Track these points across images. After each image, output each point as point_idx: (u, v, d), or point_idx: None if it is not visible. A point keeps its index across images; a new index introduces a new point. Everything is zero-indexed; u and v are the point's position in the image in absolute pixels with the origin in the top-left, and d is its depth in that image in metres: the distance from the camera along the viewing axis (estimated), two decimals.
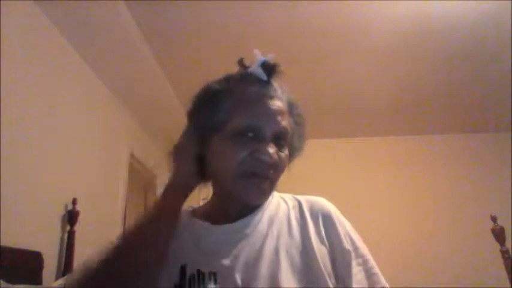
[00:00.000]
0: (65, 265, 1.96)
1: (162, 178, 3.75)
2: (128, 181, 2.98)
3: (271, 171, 0.68)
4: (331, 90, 3.15)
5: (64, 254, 1.99)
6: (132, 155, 3.07)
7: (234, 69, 0.76)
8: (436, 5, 2.23)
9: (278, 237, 0.69)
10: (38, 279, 1.70)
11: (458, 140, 3.86)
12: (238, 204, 0.72)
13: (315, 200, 0.76)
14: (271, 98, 0.70)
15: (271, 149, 0.67)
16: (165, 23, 2.35)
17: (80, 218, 2.07)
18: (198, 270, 0.65)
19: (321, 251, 0.67)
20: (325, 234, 0.69)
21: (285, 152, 0.70)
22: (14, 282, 1.41)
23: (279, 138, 0.69)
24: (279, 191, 0.79)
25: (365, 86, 3.13)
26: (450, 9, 2.27)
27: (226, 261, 0.65)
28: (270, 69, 0.71)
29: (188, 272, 0.65)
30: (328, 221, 0.71)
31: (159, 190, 3.82)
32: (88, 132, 2.42)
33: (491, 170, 3.70)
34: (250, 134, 0.67)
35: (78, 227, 2.04)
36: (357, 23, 2.38)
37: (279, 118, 0.69)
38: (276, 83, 0.73)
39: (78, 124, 2.30)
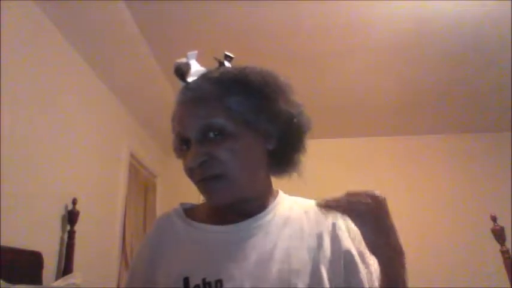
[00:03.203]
0: (65, 265, 1.96)
1: (162, 178, 3.75)
2: (128, 181, 2.98)
3: (206, 171, 0.65)
4: (330, 90, 3.15)
5: (64, 254, 1.99)
6: (132, 155, 3.07)
7: None
8: (436, 5, 2.23)
9: (290, 240, 0.66)
10: (38, 279, 1.70)
11: (458, 140, 3.86)
12: (246, 203, 0.69)
13: None
14: (189, 99, 0.68)
15: (191, 154, 0.65)
16: (165, 23, 2.35)
17: (80, 218, 2.06)
18: (204, 280, 0.61)
19: (326, 261, 0.65)
20: (333, 245, 0.67)
21: (225, 142, 0.65)
22: (14, 282, 1.41)
23: (207, 132, 0.65)
24: (285, 193, 0.78)
25: (365, 86, 3.13)
26: (450, 9, 2.27)
27: (233, 264, 0.63)
28: (180, 72, 0.69)
29: (192, 283, 0.62)
30: (338, 232, 0.68)
31: (159, 190, 3.85)
32: (88, 132, 2.42)
33: (491, 170, 3.70)
34: (184, 147, 0.68)
35: (78, 227, 2.04)
36: (357, 22, 2.38)
37: (199, 113, 0.66)
38: (197, 77, 0.69)
39: (78, 124, 2.30)
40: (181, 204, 0.77)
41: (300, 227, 0.69)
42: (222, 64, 0.72)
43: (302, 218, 0.71)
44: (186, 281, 0.62)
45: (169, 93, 3.05)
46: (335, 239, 0.68)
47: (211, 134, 0.65)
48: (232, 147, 0.65)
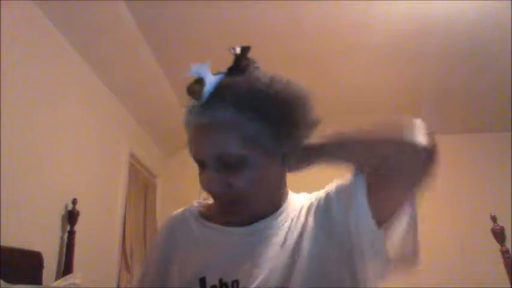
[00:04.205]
0: (65, 265, 1.96)
1: (162, 178, 3.75)
2: (128, 181, 2.98)
3: (224, 196, 0.65)
4: (330, 90, 3.15)
5: (64, 254, 1.99)
6: (132, 155, 3.07)
7: None
8: (436, 4, 2.23)
9: (294, 231, 0.69)
10: (38, 279, 1.70)
11: (458, 140, 3.85)
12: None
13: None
14: (205, 124, 0.63)
15: (211, 178, 0.63)
16: (165, 23, 2.35)
17: (80, 218, 2.06)
18: (220, 280, 0.62)
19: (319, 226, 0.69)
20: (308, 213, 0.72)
21: (243, 171, 0.63)
22: (14, 282, 1.41)
23: (223, 163, 0.63)
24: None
25: (364, 86, 3.13)
26: (450, 9, 2.27)
27: (249, 265, 0.64)
28: (193, 91, 0.63)
29: (209, 283, 0.63)
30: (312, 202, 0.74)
31: (159, 190, 3.85)
32: (88, 132, 2.42)
33: (491, 170, 3.70)
34: (200, 166, 0.67)
35: (78, 227, 2.04)
36: (357, 22, 2.38)
37: (215, 141, 0.63)
38: (212, 96, 0.63)
39: (78, 124, 2.29)
40: (196, 203, 0.78)
41: (300, 216, 0.71)
42: (239, 58, 0.68)
43: (300, 208, 0.73)
44: (202, 281, 0.63)
45: (169, 93, 3.04)
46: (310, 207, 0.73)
47: (226, 164, 0.63)
48: (250, 176, 0.63)
